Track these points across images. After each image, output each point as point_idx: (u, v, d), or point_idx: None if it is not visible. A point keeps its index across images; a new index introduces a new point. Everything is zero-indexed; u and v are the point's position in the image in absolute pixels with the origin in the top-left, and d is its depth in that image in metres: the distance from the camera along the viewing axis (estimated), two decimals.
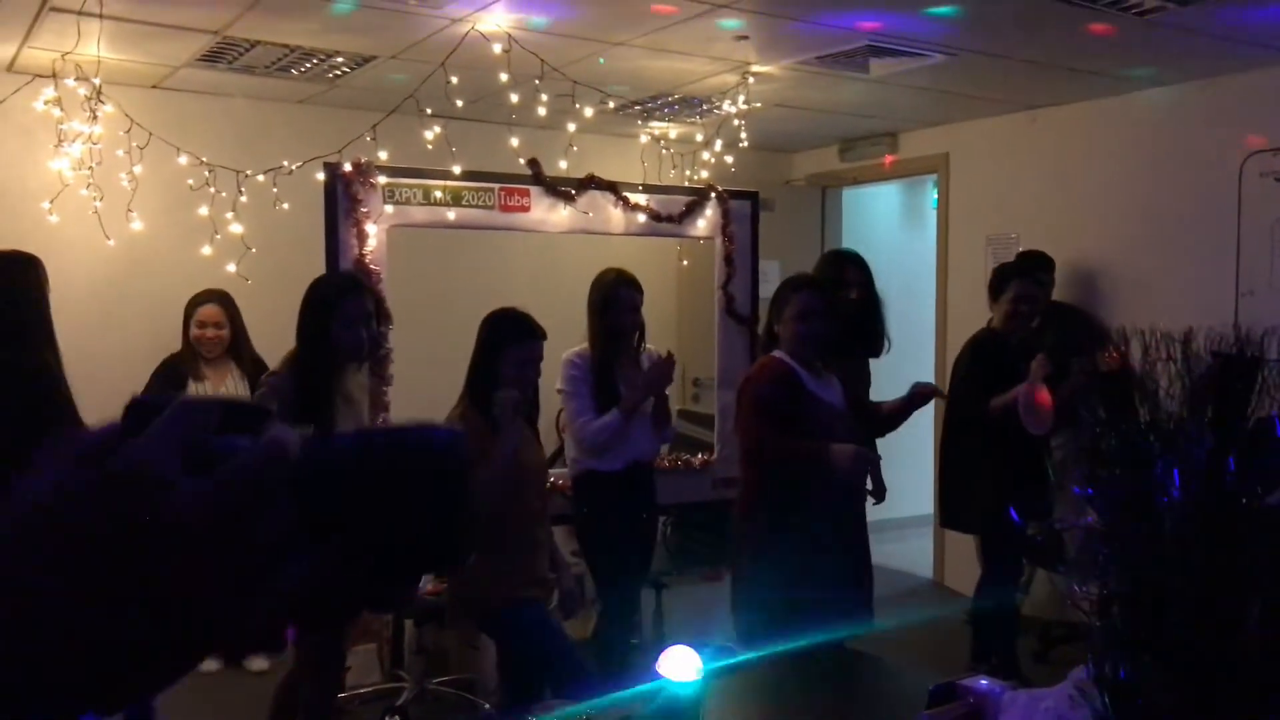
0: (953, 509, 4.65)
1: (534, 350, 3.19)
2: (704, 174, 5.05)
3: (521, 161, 4.24)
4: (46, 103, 4.33)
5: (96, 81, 4.18)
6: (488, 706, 4.14)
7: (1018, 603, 5.15)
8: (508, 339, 3.15)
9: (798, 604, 3.21)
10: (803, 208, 6.93)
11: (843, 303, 4.12)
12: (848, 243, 7.08)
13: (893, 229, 7.64)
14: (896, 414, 3.80)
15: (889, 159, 6.47)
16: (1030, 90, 5.20)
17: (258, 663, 4.83)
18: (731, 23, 3.96)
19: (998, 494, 4.33)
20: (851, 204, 7.19)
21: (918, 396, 3.79)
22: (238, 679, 4.66)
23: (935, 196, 6.55)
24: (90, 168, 4.19)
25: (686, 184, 5.04)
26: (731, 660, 2.30)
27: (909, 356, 6.57)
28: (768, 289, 6.05)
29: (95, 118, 4.14)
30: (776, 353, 3.39)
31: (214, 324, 4.44)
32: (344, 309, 3.17)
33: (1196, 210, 4.94)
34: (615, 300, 3.86)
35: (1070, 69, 4.72)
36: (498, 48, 3.98)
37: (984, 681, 2.06)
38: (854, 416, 3.47)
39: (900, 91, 5.16)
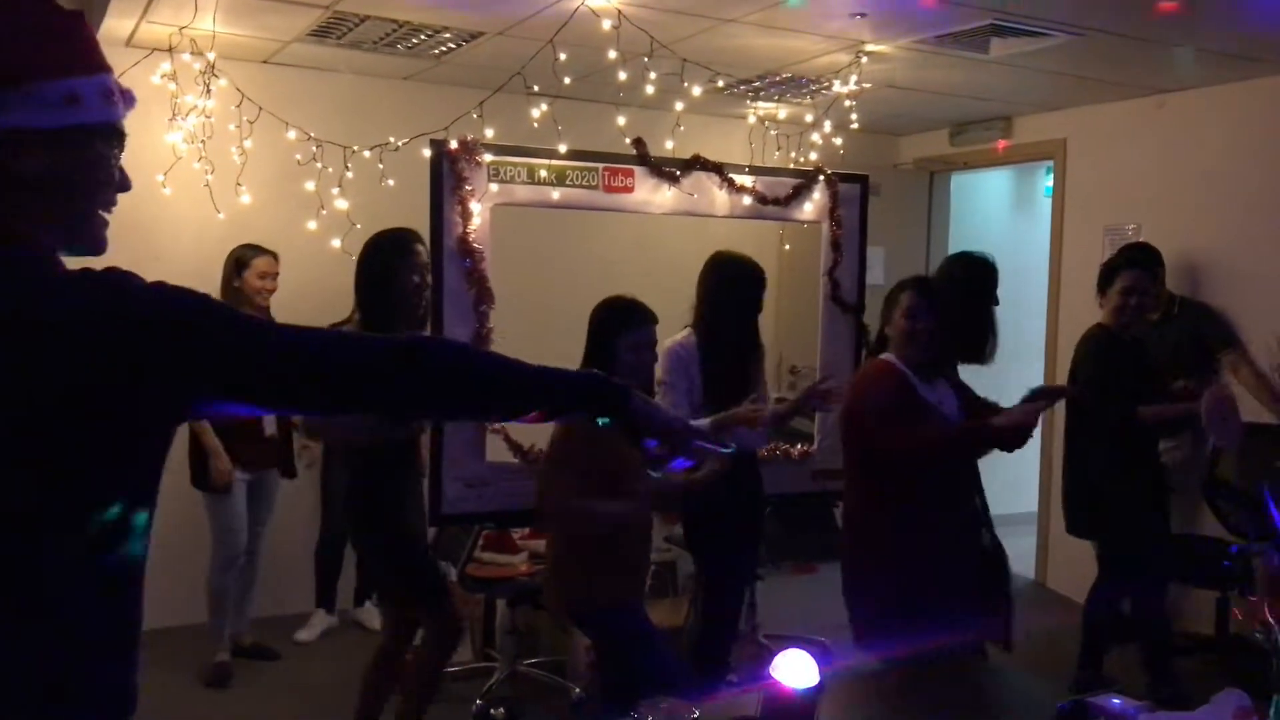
0: (1083, 517, 4.42)
1: (649, 335, 3.14)
2: (812, 155, 4.91)
3: (627, 141, 4.16)
4: (163, 76, 4.39)
5: (211, 56, 4.23)
6: (578, 690, 4.11)
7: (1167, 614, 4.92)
8: (622, 325, 3.10)
9: (920, 606, 3.11)
10: (909, 193, 6.74)
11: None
12: (955, 229, 6.88)
13: (1003, 217, 7.39)
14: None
15: (1002, 144, 6.23)
16: (1158, 72, 4.94)
17: (303, 633, 4.92)
18: None
19: (1129, 500, 4.15)
20: (961, 190, 6.96)
21: (1042, 397, 3.46)
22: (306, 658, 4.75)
23: (1049, 184, 6.30)
24: (202, 142, 4.25)
25: (793, 166, 4.92)
26: (846, 665, 2.21)
27: (1017, 355, 6.32)
28: (873, 275, 5.93)
29: (209, 92, 4.18)
30: (885, 355, 3.28)
31: (272, 275, 4.48)
32: (410, 260, 3.33)
33: None
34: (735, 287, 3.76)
35: (1203, 49, 4.46)
36: (607, 24, 3.90)
37: (1116, 701, 1.94)
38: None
39: (1019, 73, 4.95)
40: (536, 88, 4.07)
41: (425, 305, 3.40)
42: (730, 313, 3.75)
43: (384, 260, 3.30)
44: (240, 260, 4.44)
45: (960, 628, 3.13)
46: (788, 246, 5.57)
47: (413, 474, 3.45)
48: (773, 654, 4.73)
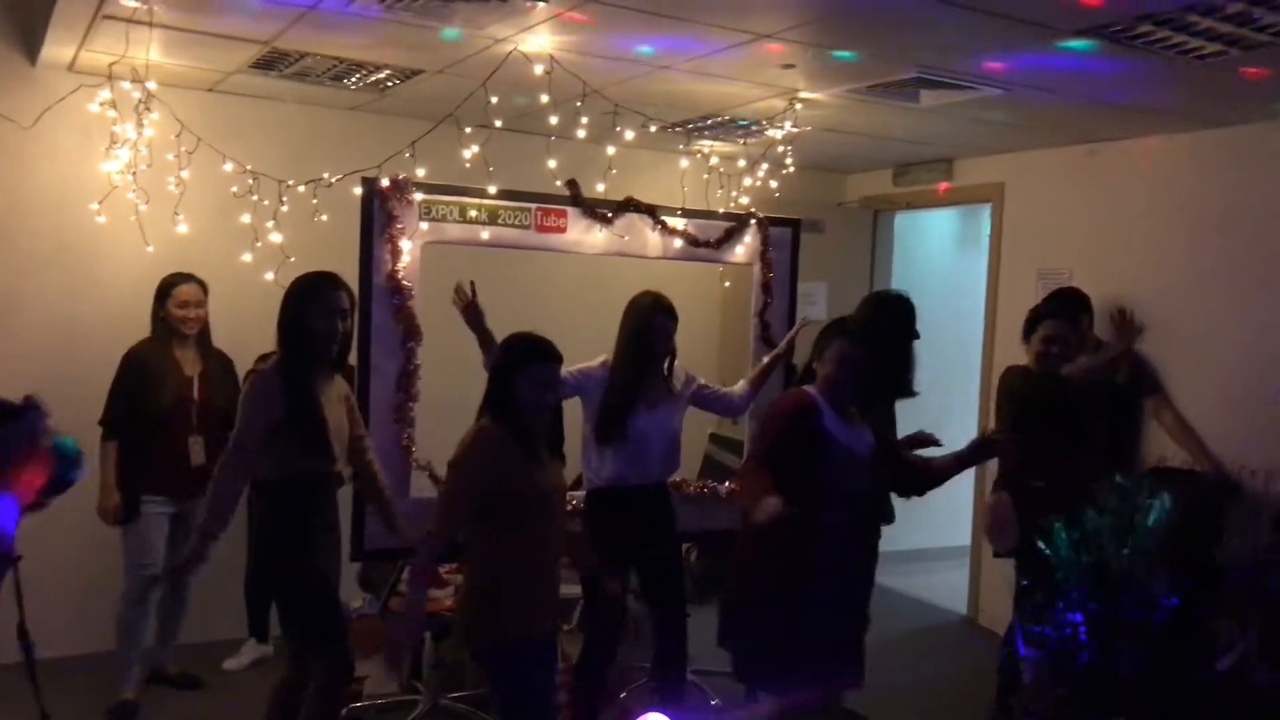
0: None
1: (549, 373, 3.16)
2: (744, 200, 4.98)
3: (559, 184, 4.21)
4: (101, 104, 4.40)
5: (151, 86, 4.24)
6: None
7: None
8: (520, 362, 3.13)
9: (790, 637, 3.22)
10: (854, 230, 6.84)
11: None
12: (898, 267, 6.98)
13: (946, 255, 7.49)
14: (949, 469, 3.64)
15: (943, 186, 6.35)
16: (1088, 124, 5.06)
17: (231, 662, 4.92)
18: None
19: (1029, 525, 4.21)
20: (905, 228, 7.07)
21: (981, 449, 3.70)
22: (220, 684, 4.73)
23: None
24: (133, 173, 4.25)
25: (731, 205, 4.99)
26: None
27: (954, 388, 6.45)
28: (816, 310, 6.00)
29: (142, 124, 4.19)
30: (808, 388, 3.40)
31: (195, 303, 4.40)
32: (321, 301, 3.35)
33: (1254, 255, 4.76)
34: (650, 328, 3.84)
35: (1126, 107, 4.59)
36: (539, 69, 3.96)
37: None
38: (881, 467, 3.41)
39: (954, 120, 5.05)
40: (469, 129, 4.11)
41: (338, 347, 3.42)
42: (630, 346, 3.87)
43: (296, 304, 3.35)
44: (162, 288, 4.40)
45: (840, 675, 3.20)
46: (728, 284, 5.63)
47: (326, 510, 3.46)
48: (701, 691, 4.75)
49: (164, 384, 4.33)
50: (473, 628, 3.20)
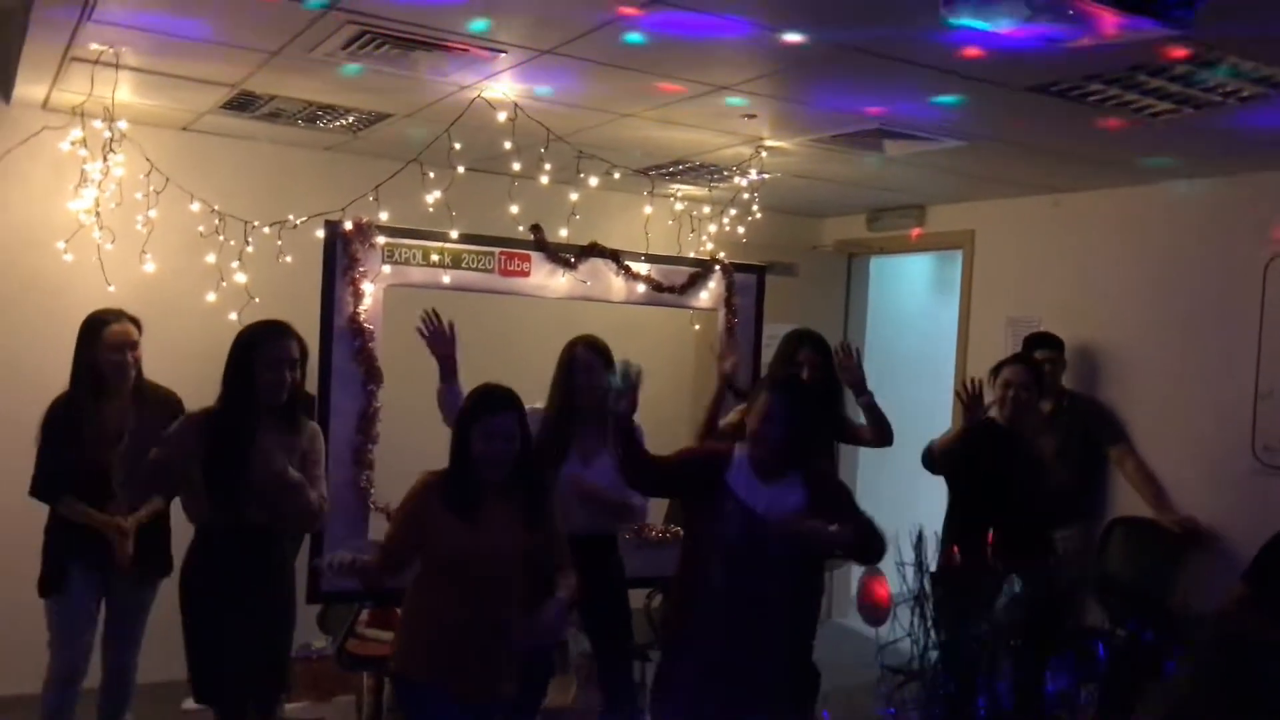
0: None
1: (500, 424, 3.10)
2: (710, 245, 5.02)
3: (521, 229, 4.24)
4: (72, 143, 4.43)
5: (123, 125, 4.25)
6: None
7: None
8: (474, 415, 3.13)
9: (661, 681, 3.33)
10: (828, 273, 6.87)
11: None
12: (873, 311, 7.01)
13: (921, 299, 7.54)
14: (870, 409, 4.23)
15: (916, 232, 6.40)
16: (1052, 174, 5.11)
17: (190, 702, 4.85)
18: (737, 100, 3.94)
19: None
20: (880, 272, 7.10)
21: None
22: None
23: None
24: (97, 213, 4.26)
25: (698, 249, 5.02)
26: None
27: (926, 429, 6.43)
28: None
29: (106, 162, 4.20)
30: (739, 444, 3.33)
31: (129, 345, 3.78)
32: (266, 351, 3.33)
33: (1218, 306, 4.80)
34: (572, 359, 3.87)
35: (1087, 160, 4.64)
36: (502, 116, 4.00)
37: None
38: (793, 530, 3.12)
39: (921, 169, 5.10)
40: (432, 174, 4.14)
41: (287, 396, 3.39)
42: (557, 383, 3.92)
43: (242, 353, 3.35)
44: (89, 328, 3.78)
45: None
46: (697, 327, 5.65)
47: (252, 564, 3.36)
48: None
49: (80, 446, 3.71)
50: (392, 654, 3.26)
